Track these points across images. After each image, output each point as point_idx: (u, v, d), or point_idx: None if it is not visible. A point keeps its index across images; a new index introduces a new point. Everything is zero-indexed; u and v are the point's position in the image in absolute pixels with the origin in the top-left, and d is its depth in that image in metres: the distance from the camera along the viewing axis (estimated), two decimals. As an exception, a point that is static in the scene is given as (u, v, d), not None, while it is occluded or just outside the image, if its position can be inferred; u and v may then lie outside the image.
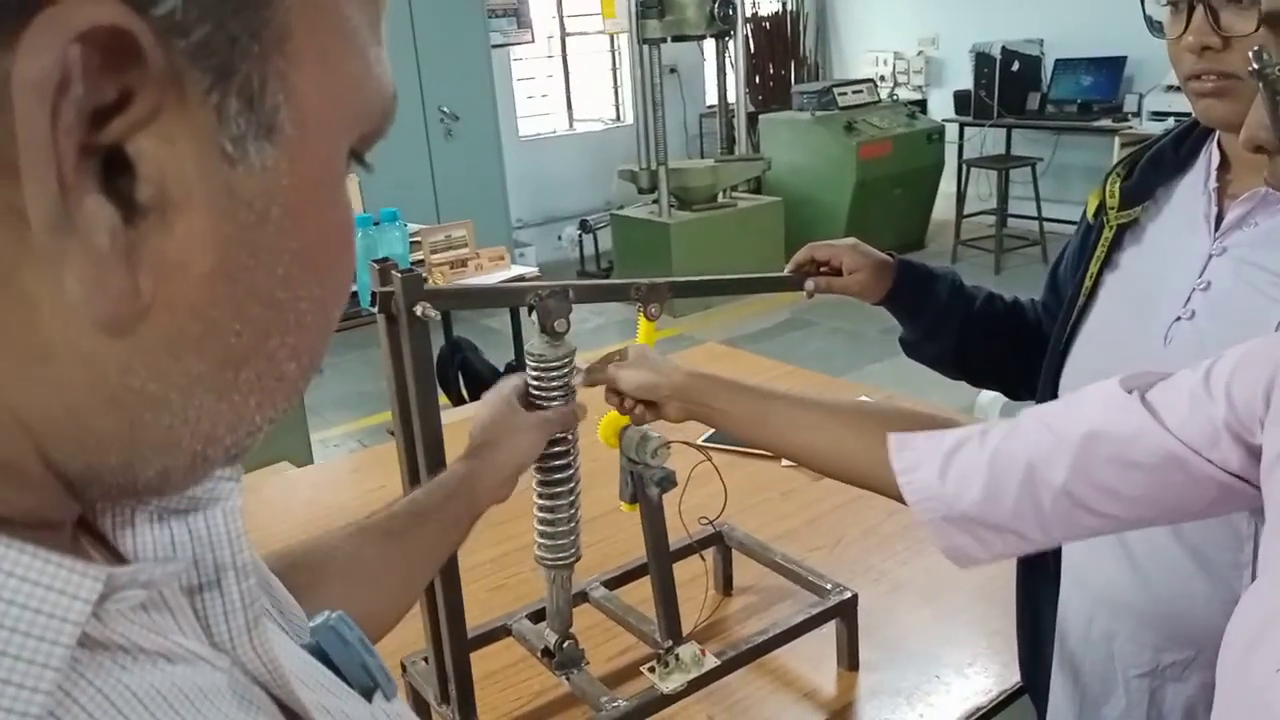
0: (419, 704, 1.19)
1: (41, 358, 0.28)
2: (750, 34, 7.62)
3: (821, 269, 1.30)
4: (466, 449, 0.96)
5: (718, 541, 1.44)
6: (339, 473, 2.33)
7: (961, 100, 7.13)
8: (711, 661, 1.16)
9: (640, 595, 1.27)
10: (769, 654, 1.24)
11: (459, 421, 1.10)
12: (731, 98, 6.53)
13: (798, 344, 5.31)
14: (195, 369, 0.31)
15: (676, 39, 5.77)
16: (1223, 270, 1.00)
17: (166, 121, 0.27)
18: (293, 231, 0.31)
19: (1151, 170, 1.10)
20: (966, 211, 6.83)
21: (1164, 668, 1.04)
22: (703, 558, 1.37)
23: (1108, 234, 1.11)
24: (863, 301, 1.30)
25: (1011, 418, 0.86)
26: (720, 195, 6.20)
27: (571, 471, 1.04)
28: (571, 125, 7.89)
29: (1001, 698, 1.23)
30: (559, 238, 7.34)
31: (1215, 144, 1.05)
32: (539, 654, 1.17)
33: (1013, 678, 1.25)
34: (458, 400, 3.90)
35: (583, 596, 1.29)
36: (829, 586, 1.29)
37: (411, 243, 3.41)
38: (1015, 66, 6.85)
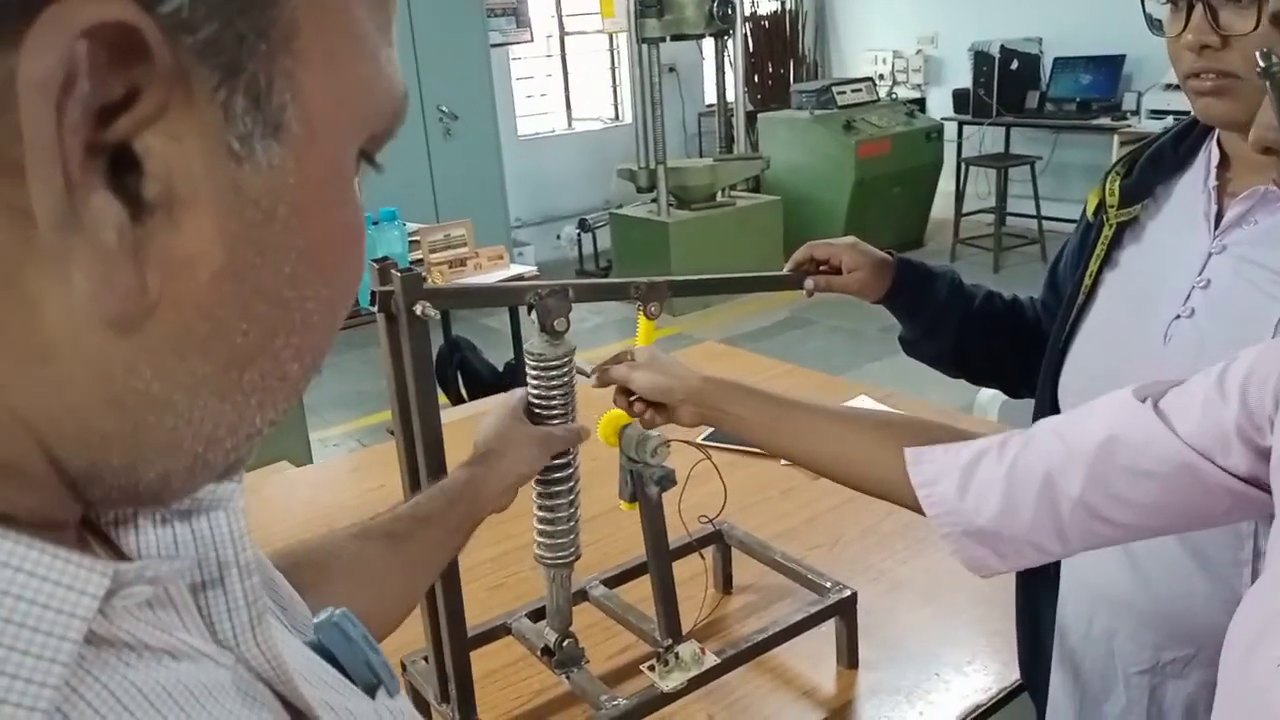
0: (419, 703, 1.19)
1: (43, 357, 0.28)
2: (749, 33, 7.62)
3: (821, 267, 1.30)
4: (470, 456, 0.96)
5: (717, 540, 1.44)
6: (338, 472, 2.33)
7: (960, 99, 7.13)
8: (711, 660, 1.16)
9: (640, 594, 1.27)
10: (769, 652, 1.24)
11: (458, 421, 1.10)
12: (730, 97, 6.53)
13: (797, 343, 5.31)
14: (200, 369, 0.31)
15: (675, 38, 5.76)
16: (1222, 268, 1.00)
17: (173, 119, 0.27)
18: (300, 230, 0.31)
19: (1151, 168, 1.10)
20: (965, 210, 6.83)
21: (1164, 665, 1.04)
22: (702, 556, 1.37)
23: (1107, 232, 1.11)
24: (862, 300, 1.30)
25: (1024, 428, 0.86)
26: (719, 194, 6.19)
27: (571, 471, 1.05)
28: (570, 124, 7.88)
29: (1001, 695, 1.23)
30: (558, 237, 7.34)
31: (1215, 142, 1.05)
32: (539, 653, 1.17)
33: (1012, 676, 1.25)
34: (457, 399, 3.90)
35: (582, 595, 1.29)
36: (828, 585, 1.29)
37: (410, 242, 3.41)
38: (1014, 65, 6.86)
